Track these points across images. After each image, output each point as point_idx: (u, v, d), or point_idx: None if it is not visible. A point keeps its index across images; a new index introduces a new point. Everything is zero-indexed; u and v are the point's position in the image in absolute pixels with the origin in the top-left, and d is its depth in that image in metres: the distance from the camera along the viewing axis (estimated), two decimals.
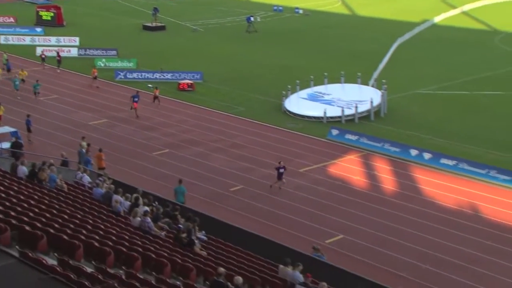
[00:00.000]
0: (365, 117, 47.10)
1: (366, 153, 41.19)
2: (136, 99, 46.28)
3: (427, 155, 39.80)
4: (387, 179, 37.70)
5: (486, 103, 49.64)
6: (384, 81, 49.49)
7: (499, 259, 29.06)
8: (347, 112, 46.99)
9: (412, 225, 31.86)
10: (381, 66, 59.05)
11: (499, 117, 46.86)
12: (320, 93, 51.30)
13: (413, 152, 40.34)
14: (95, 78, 54.88)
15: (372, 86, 52.02)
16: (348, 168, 39.16)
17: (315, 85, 51.97)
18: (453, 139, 42.63)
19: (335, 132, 43.93)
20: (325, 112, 47.00)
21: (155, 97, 48.86)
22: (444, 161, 38.99)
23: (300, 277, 20.79)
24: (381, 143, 41.83)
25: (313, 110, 48.33)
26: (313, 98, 50.67)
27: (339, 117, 46.76)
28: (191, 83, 54.51)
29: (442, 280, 27.38)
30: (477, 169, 37.70)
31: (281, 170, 34.75)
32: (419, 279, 27.18)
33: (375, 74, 55.98)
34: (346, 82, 52.52)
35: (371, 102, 47.49)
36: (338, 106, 47.95)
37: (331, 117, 46.80)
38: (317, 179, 37.44)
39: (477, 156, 39.51)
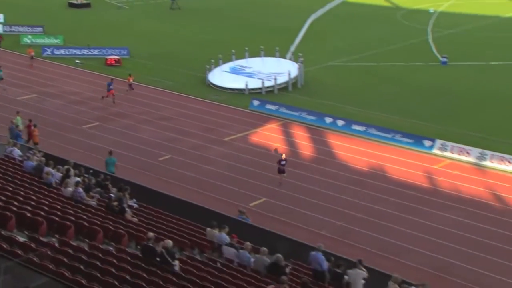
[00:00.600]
0: (283, 88, 47.20)
1: (285, 122, 41.36)
2: (111, 87, 43.14)
3: (340, 122, 40.28)
4: (305, 145, 37.99)
5: (392, 74, 50.40)
6: (300, 54, 49.73)
7: (405, 214, 29.77)
8: (267, 84, 46.98)
9: (328, 187, 32.25)
10: (297, 40, 59.36)
11: (402, 86, 47.71)
12: (242, 66, 51.07)
13: (328, 119, 40.77)
14: (32, 57, 53.13)
15: (290, 59, 52.23)
16: (269, 136, 39.25)
17: (236, 59, 51.72)
18: (363, 106, 43.18)
19: (256, 103, 43.94)
20: (246, 84, 46.89)
21: (129, 85, 45.82)
22: (355, 127, 39.56)
23: (227, 238, 20.74)
24: (298, 112, 42.12)
25: (235, 82, 48.15)
26: (235, 71, 50.43)
27: (260, 88, 46.74)
28: (118, 59, 53.37)
29: (355, 236, 27.81)
30: (384, 134, 38.51)
31: (283, 163, 32.10)
32: (335, 236, 27.50)
33: (292, 48, 56.32)
34: (265, 56, 52.40)
35: (289, 74, 47.68)
36: (258, 79, 47.86)
37: (252, 89, 46.70)
38: (241, 147, 37.37)
39: (384, 122, 40.20)
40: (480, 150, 35.55)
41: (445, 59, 52.26)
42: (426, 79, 48.91)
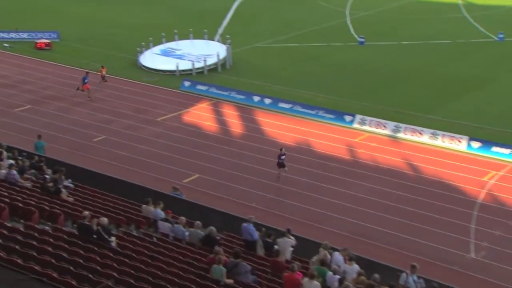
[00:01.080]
0: (213, 69, 46.79)
1: (216, 101, 41.06)
2: (86, 81, 40.53)
3: (267, 100, 40.27)
4: (235, 123, 37.83)
5: (314, 54, 50.66)
6: (228, 36, 49.40)
7: (328, 184, 30.14)
8: (197, 65, 46.53)
9: (257, 162, 32.24)
10: (224, 23, 58.89)
11: (324, 65, 48.02)
12: (172, 49, 50.34)
13: (256, 98, 40.68)
14: None
15: (218, 41, 51.91)
16: (201, 115, 38.89)
17: (166, 41, 50.94)
18: (288, 85, 43.28)
19: (187, 83, 43.45)
20: (177, 66, 46.28)
21: (103, 77, 42.66)
22: (281, 105, 39.63)
23: (162, 214, 20.47)
24: (228, 92, 41.88)
25: (166, 64, 47.45)
26: (165, 53, 49.68)
27: (190, 70, 46.25)
28: (48, 42, 51.73)
29: (284, 207, 27.97)
30: (309, 110, 38.76)
31: (282, 157, 30.18)
32: (268, 208, 27.56)
33: (220, 31, 55.85)
34: (194, 38, 51.79)
35: (218, 55, 47.27)
36: (188, 60, 47.35)
37: (183, 70, 46.11)
38: (173, 127, 36.94)
39: (308, 99, 40.39)
40: (395, 123, 36.21)
41: (362, 39, 52.90)
42: (345, 58, 49.41)
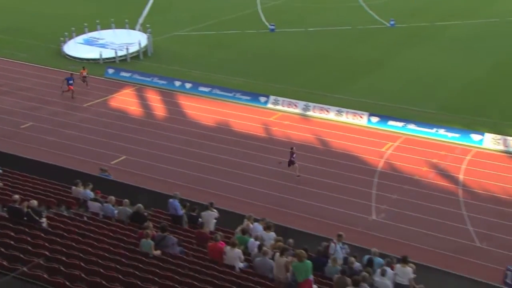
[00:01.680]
0: (135, 57, 45.78)
1: (139, 87, 40.32)
2: (70, 82, 37.78)
3: (188, 85, 39.88)
4: (158, 107, 37.31)
5: (229, 40, 50.47)
6: (148, 25, 48.48)
7: (246, 160, 30.31)
8: (120, 53, 45.42)
9: (180, 142, 32.01)
10: (144, 13, 57.68)
11: (239, 51, 47.92)
12: (95, 38, 48.91)
13: (177, 83, 40.21)
14: None
15: (139, 30, 50.80)
16: (125, 101, 38.10)
17: (89, 31, 49.45)
18: (207, 70, 42.94)
19: (111, 71, 42.40)
20: (101, 54, 45.04)
21: (84, 77, 39.29)
22: (201, 88, 39.34)
23: (91, 194, 20.00)
24: (150, 78, 41.21)
25: (90, 53, 46.03)
26: (89, 42, 48.18)
27: (114, 58, 45.04)
28: None
29: (207, 183, 27.86)
30: (227, 93, 38.68)
31: (294, 156, 28.43)
32: (192, 185, 27.36)
33: (140, 20, 54.67)
34: (116, 27, 50.51)
35: (139, 44, 46.32)
36: (111, 49, 46.13)
37: (107, 58, 44.88)
38: (100, 112, 36.08)
39: (226, 83, 40.24)
40: (305, 102, 36.67)
41: (273, 27, 53.04)
42: (258, 44, 49.45)
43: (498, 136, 31.73)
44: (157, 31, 49.17)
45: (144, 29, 49.26)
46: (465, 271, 20.58)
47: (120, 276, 13.45)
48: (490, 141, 31.69)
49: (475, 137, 32.10)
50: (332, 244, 17.59)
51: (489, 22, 52.46)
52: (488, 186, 27.89)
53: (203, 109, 36.60)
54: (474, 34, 49.60)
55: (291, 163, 28.48)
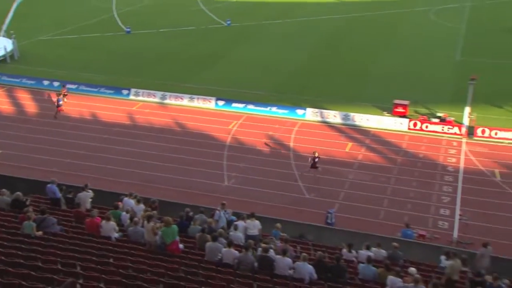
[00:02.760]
0: (2, 60, 42.15)
1: (9, 87, 37.24)
2: (60, 103, 32.61)
3: (56, 83, 37.48)
4: (29, 104, 34.85)
5: (90, 43, 48.09)
6: (12, 32, 44.68)
7: (115, 146, 29.36)
8: None
9: (53, 134, 30.26)
10: (7, 20, 53.01)
11: (102, 51, 45.84)
12: None
13: (45, 82, 37.79)
14: None
15: (3, 36, 46.69)
16: None
17: None
18: (72, 70, 40.59)
19: None
20: None
21: (64, 95, 33.96)
22: (69, 86, 36.80)
23: None
24: (19, 79, 38.24)
25: None
26: None
27: None
28: None
29: (80, 167, 26.62)
30: (92, 88, 37.13)
31: (316, 160, 26.04)
32: (67, 170, 25.99)
33: (4, 27, 50.22)
34: None
35: (5, 49, 42.64)
36: None
37: None
38: None
39: (91, 79, 38.42)
40: (162, 92, 36.18)
41: (128, 29, 51.38)
42: (117, 45, 47.68)
43: (316, 110, 33.65)
44: (21, 37, 45.60)
45: (8, 35, 45.35)
46: (300, 218, 21.84)
47: (3, 258, 12.43)
48: (311, 114, 33.53)
49: (300, 112, 33.77)
50: (217, 211, 17.93)
51: (304, 21, 55.06)
52: (312, 149, 29.46)
53: (71, 104, 34.62)
54: (293, 30, 51.81)
55: (312, 166, 26.08)
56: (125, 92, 36.44)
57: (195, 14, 57.69)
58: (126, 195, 18.37)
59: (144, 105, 35.43)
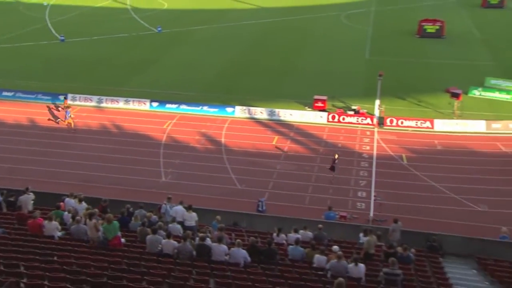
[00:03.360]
0: None
1: None
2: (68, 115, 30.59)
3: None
4: None
5: (28, 51, 45.63)
6: None
7: (56, 149, 28.08)
8: None
9: None
10: None
11: (37, 59, 43.64)
12: None
13: None
14: None
15: None
16: None
17: None
18: (8, 77, 38.48)
19: None
20: None
21: (67, 107, 31.90)
22: (5, 93, 35.39)
23: None
24: None
25: None
26: None
27: None
28: None
29: (22, 172, 25.37)
30: (29, 95, 35.34)
31: (336, 162, 25.00)
32: (7, 175, 24.69)
33: None
34: None
35: None
36: None
37: None
38: None
39: (27, 87, 36.55)
40: (98, 96, 35.03)
41: (62, 38, 49.23)
42: (52, 52, 45.50)
43: (244, 107, 33.85)
44: None
45: None
46: (234, 207, 21.93)
47: None
48: (239, 112, 33.69)
49: (229, 109, 33.84)
50: (163, 205, 17.64)
51: (228, 26, 55.07)
52: (241, 144, 29.71)
53: (8, 111, 32.82)
54: (219, 35, 51.61)
55: (332, 168, 25.17)
56: (62, 97, 34.91)
57: (127, 22, 56.14)
58: (67, 196, 17.69)
59: (81, 109, 34.15)
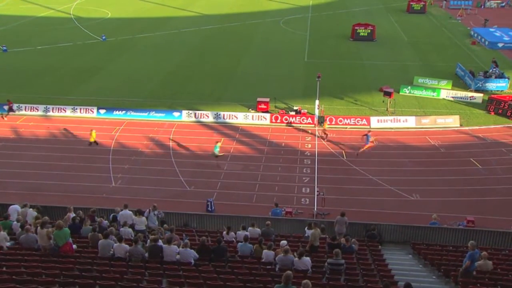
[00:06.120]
0: None
1: None
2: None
3: None
4: None
5: None
6: None
7: (7, 159, 26.74)
8: None
9: None
10: None
11: None
12: None
13: None
14: None
15: None
16: None
17: None
18: None
19: None
20: None
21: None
22: None
23: None
24: None
25: None
26: None
27: None
28: None
29: None
30: None
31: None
32: None
33: None
34: None
35: None
36: None
37: None
38: None
39: None
40: (44, 105, 33.76)
41: (5, 48, 47.00)
42: None
43: (190, 111, 33.68)
44: None
45: None
46: (184, 209, 21.81)
47: None
48: (186, 116, 33.48)
49: (176, 114, 33.56)
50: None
51: (172, 33, 54.55)
52: (191, 147, 29.52)
53: None
54: (163, 42, 51.04)
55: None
56: (7, 107, 33.31)
57: (71, 31, 54.37)
58: (15, 205, 16.97)
59: (28, 118, 32.80)
